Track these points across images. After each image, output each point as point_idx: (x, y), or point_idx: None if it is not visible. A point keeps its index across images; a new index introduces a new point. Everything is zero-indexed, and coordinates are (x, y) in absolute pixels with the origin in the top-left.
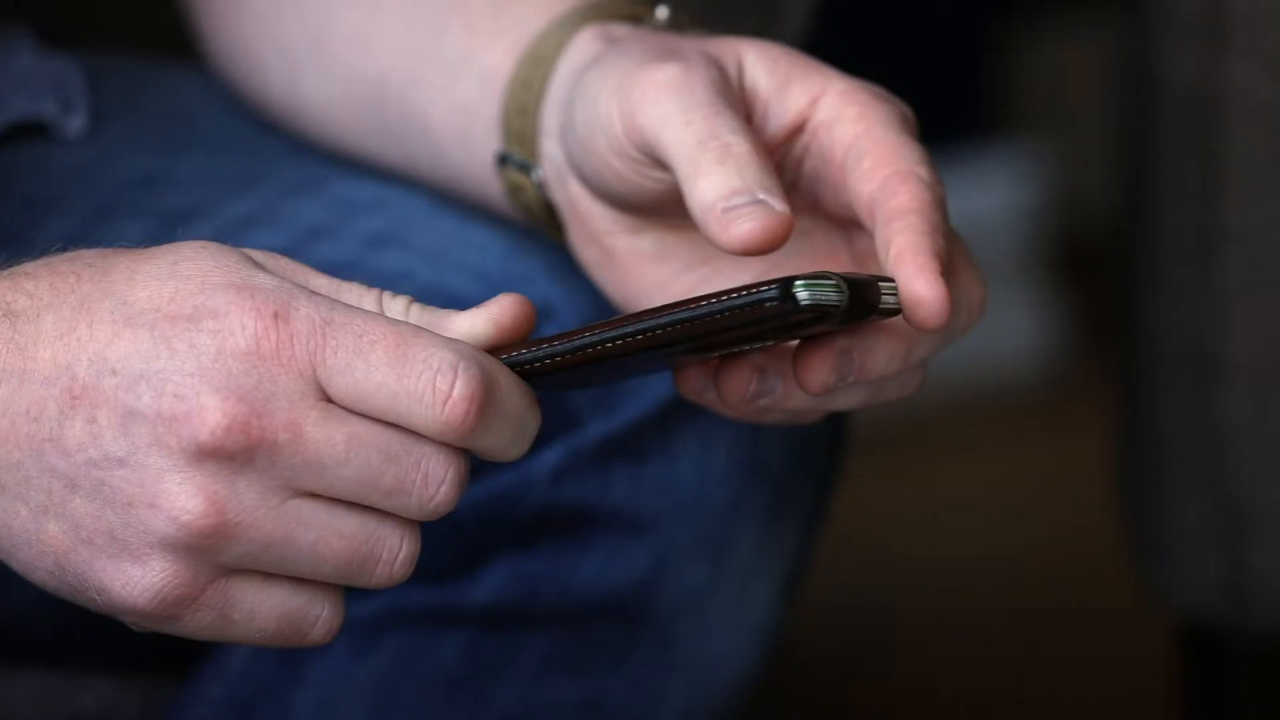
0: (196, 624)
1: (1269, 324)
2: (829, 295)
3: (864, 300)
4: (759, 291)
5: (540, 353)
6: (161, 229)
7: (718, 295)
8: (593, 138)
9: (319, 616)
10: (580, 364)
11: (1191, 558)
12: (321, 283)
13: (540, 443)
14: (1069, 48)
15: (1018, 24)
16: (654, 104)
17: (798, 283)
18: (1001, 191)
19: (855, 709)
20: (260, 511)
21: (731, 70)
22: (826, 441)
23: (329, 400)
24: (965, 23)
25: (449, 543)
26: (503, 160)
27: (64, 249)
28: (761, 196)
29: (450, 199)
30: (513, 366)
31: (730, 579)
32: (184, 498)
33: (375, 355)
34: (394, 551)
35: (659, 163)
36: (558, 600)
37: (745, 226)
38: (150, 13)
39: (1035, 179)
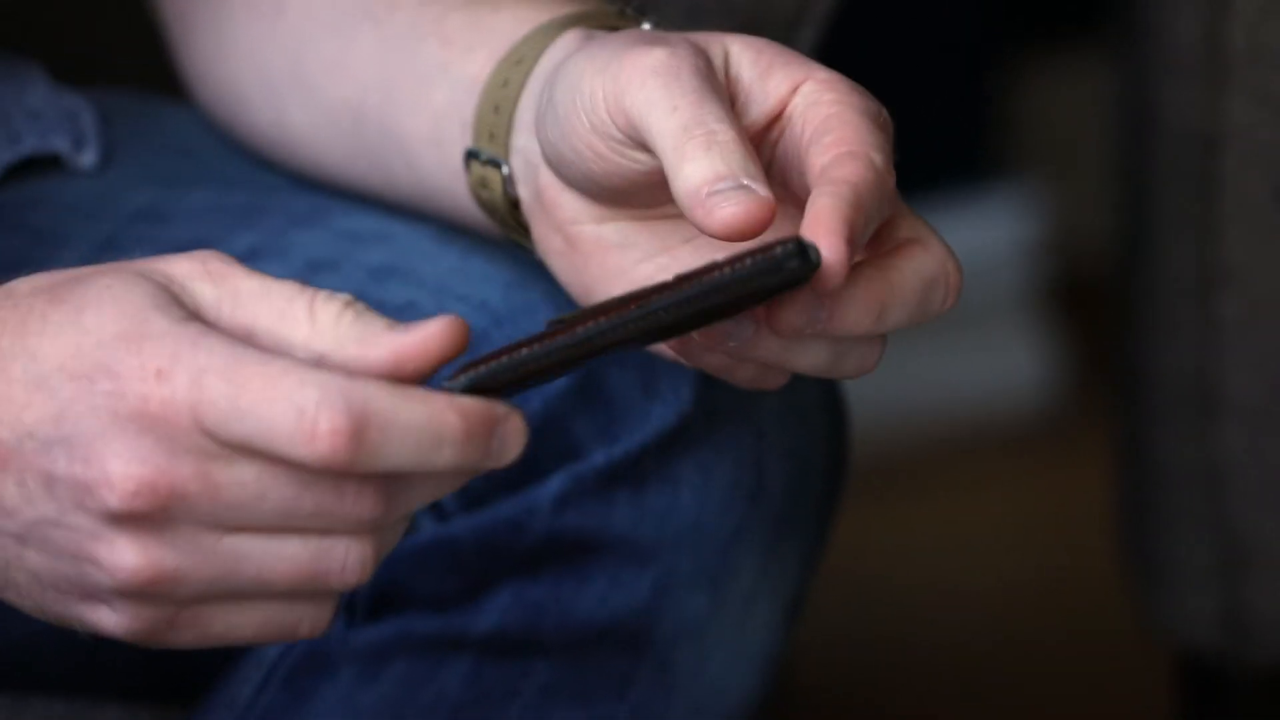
0: (181, 643)
1: (1266, 360)
2: (814, 256)
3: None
4: (774, 255)
5: (503, 365)
6: None
7: (715, 268)
8: (574, 116)
9: (301, 618)
10: (550, 366)
11: (1190, 591)
12: (250, 286)
13: (542, 472)
14: (1067, 88)
15: (1016, 66)
16: (640, 87)
17: (806, 242)
18: (1002, 229)
19: None
20: (196, 556)
21: (717, 58)
22: (826, 470)
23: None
24: (965, 65)
25: (452, 571)
26: (472, 156)
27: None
28: (745, 182)
29: (449, 230)
30: (475, 385)
31: (731, 607)
32: (116, 556)
33: (244, 403)
34: (341, 560)
35: (640, 145)
36: (560, 628)
37: (729, 210)
38: (157, 55)
39: (1035, 217)
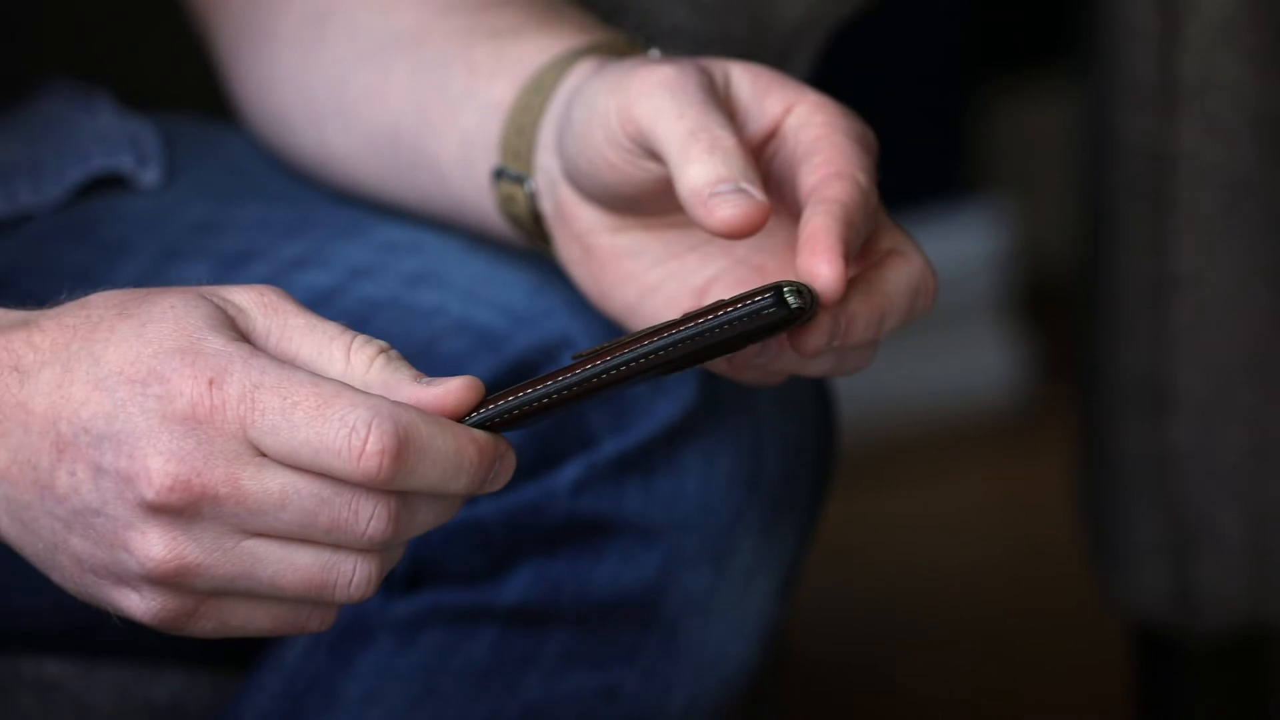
0: (202, 631)
1: (1213, 360)
2: (801, 299)
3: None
4: (753, 302)
5: (512, 403)
6: (222, 269)
7: (701, 315)
8: (590, 132)
9: (310, 616)
10: (555, 404)
11: (1143, 568)
12: (299, 322)
13: (560, 460)
14: (1035, 114)
15: (989, 94)
16: (649, 98)
17: (785, 289)
18: (976, 242)
19: (840, 701)
20: (217, 554)
21: (719, 79)
22: (818, 459)
23: (264, 455)
24: (943, 93)
25: (480, 549)
26: (499, 175)
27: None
28: (744, 186)
29: (477, 241)
30: (491, 420)
31: (731, 582)
32: (146, 546)
33: (298, 416)
34: (349, 576)
35: (650, 153)
36: (577, 600)
37: (728, 212)
38: (211, 83)
39: (1005, 230)
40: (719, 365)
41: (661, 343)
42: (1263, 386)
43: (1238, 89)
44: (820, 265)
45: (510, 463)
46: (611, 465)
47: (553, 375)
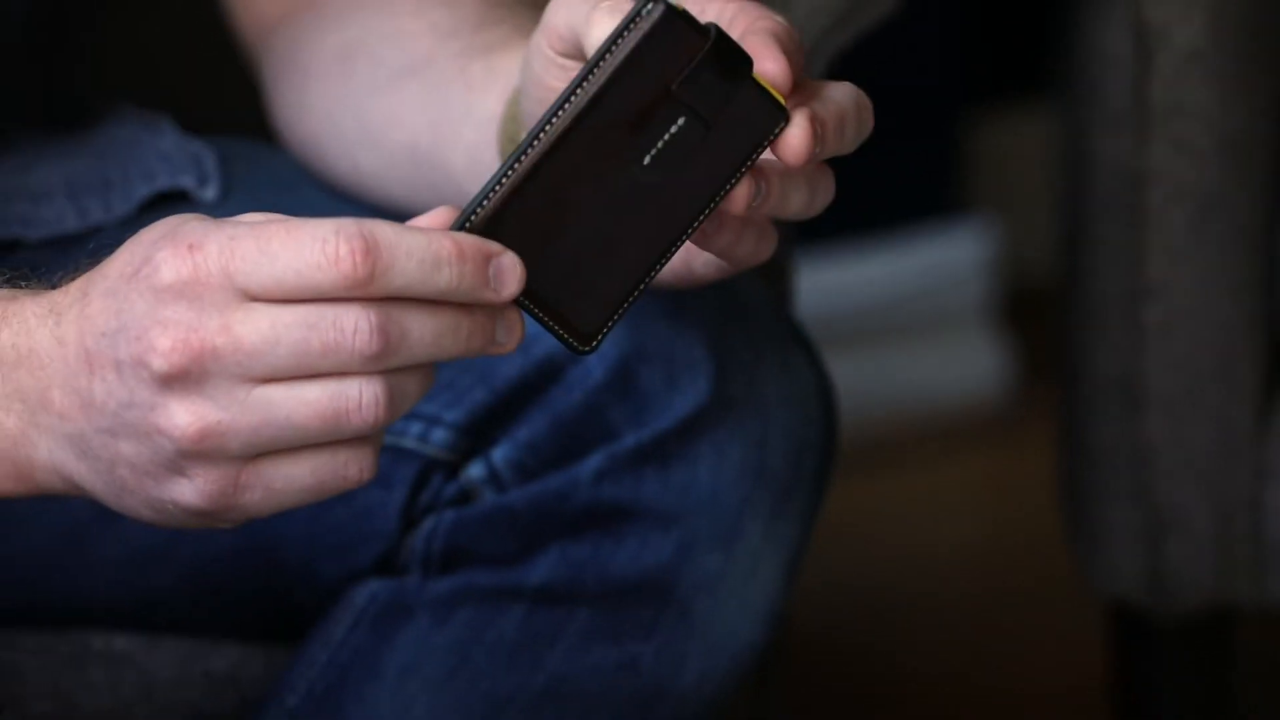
0: (253, 504)
1: (1182, 362)
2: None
3: (721, 37)
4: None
5: (476, 201)
6: None
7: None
8: (530, 71)
9: (347, 463)
10: (518, 192)
11: (1119, 552)
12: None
13: (584, 452)
14: (1019, 136)
15: (978, 117)
16: (564, 8)
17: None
18: (965, 254)
19: (838, 671)
20: (234, 407)
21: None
22: (821, 450)
23: (253, 299)
24: (936, 117)
25: (509, 534)
26: None
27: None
28: None
29: None
30: (473, 219)
31: (740, 565)
32: (171, 419)
33: (274, 246)
34: (357, 400)
35: (579, 55)
36: (599, 581)
37: None
38: (259, 112)
39: (992, 243)
40: (696, 238)
41: (579, 101)
42: (1228, 386)
43: (1205, 113)
44: (765, 63)
45: (512, 263)
46: (631, 456)
47: (504, 172)
